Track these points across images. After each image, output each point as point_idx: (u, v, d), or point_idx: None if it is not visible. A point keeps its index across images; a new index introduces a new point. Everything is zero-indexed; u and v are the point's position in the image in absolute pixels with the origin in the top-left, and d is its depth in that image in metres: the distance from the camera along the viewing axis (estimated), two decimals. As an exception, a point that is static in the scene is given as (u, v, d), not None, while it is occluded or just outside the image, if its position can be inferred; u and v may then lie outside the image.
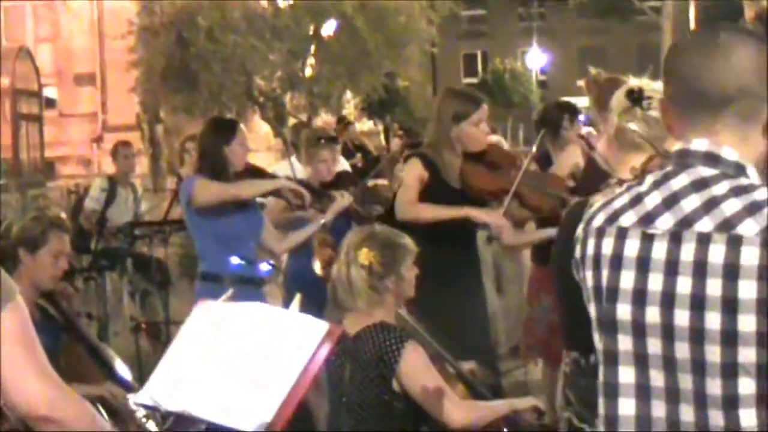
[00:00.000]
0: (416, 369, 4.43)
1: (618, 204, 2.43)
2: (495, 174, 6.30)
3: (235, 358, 4.29)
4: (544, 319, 6.85)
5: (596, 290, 2.40)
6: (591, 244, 2.43)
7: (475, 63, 58.03)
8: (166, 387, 4.38)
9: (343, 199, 6.73)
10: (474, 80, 51.76)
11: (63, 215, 6.37)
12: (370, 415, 4.49)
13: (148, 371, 4.90)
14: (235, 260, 6.16)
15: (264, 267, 6.14)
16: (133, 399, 5.22)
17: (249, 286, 6.13)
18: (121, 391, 5.26)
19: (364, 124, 19.50)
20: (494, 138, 9.46)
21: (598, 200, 2.55)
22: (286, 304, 6.09)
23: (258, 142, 22.84)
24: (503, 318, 9.49)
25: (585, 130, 7.23)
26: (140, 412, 5.23)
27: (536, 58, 53.60)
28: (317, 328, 4.28)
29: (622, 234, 2.37)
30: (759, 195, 2.25)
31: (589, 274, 2.42)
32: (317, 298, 5.94)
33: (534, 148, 6.67)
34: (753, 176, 2.34)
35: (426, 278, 4.78)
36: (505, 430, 4.63)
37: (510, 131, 15.19)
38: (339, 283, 4.65)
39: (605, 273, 2.37)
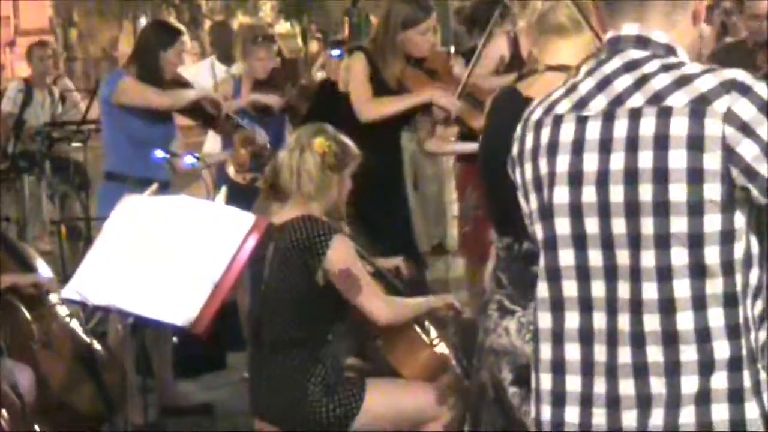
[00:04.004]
0: (344, 259, 4.45)
1: (555, 96, 2.46)
2: (432, 82, 6.28)
3: (161, 252, 4.29)
4: (470, 213, 6.89)
5: (535, 180, 2.43)
6: (529, 137, 2.45)
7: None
8: (93, 282, 4.37)
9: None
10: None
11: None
12: (287, 307, 4.50)
13: (70, 272, 4.90)
14: (159, 153, 6.09)
15: (188, 159, 6.08)
16: (56, 296, 5.26)
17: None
18: (50, 283, 5.24)
19: (281, 27, 19.32)
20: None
21: (523, 86, 2.56)
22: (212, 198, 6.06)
23: (185, 42, 22.39)
24: (422, 216, 9.53)
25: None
26: (63, 310, 5.24)
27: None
28: (244, 220, 4.30)
29: (557, 121, 2.40)
30: (688, 69, 2.30)
31: (527, 167, 2.45)
32: (246, 193, 5.93)
33: (473, 61, 6.60)
34: (683, 56, 2.39)
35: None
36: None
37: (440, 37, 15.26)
38: (286, 168, 4.61)
39: (543, 161, 2.41)
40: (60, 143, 9.97)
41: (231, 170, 5.62)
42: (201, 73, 7.92)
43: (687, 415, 2.26)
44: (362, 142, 4.78)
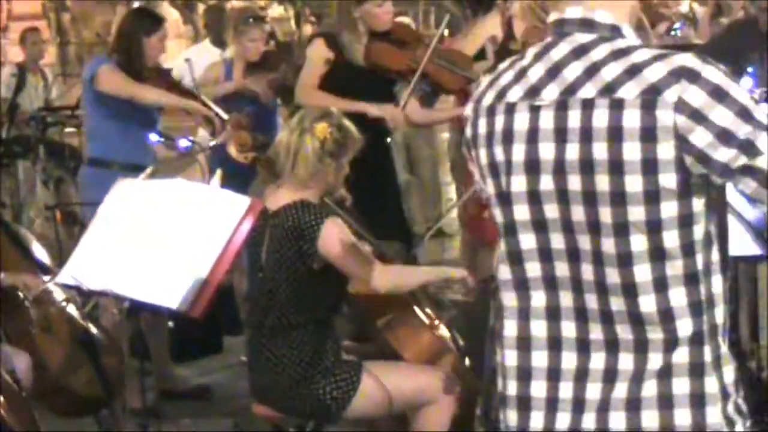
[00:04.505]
0: (337, 238, 4.44)
1: (504, 81, 2.44)
2: (401, 52, 6.26)
3: (156, 235, 4.29)
4: (474, 196, 6.88)
5: (491, 166, 2.43)
6: (482, 122, 2.45)
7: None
8: (88, 266, 4.37)
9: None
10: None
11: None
12: (285, 291, 4.49)
13: (65, 257, 4.89)
14: (153, 137, 6.09)
15: (183, 143, 6.08)
16: (52, 281, 5.24)
17: (138, 174, 5.98)
18: (36, 281, 5.22)
19: (275, 10, 19.24)
20: (403, 20, 9.39)
21: (484, 78, 2.56)
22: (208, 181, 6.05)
23: (167, 29, 22.38)
24: (418, 199, 9.54)
25: None
26: (59, 296, 5.23)
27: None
28: (239, 203, 4.29)
29: (510, 109, 2.39)
30: (637, 57, 2.29)
31: (482, 152, 2.45)
32: (242, 175, 5.93)
33: (443, 24, 6.61)
34: (629, 35, 2.39)
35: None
36: None
37: (421, 15, 15.12)
38: (283, 148, 4.59)
39: (498, 149, 2.41)
40: (54, 128, 9.96)
41: (233, 150, 5.61)
42: (197, 57, 7.88)
43: (649, 389, 2.30)
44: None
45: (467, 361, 4.74)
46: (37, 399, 4.84)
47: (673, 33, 9.24)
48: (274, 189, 4.62)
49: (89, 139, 6.70)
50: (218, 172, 4.59)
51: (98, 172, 6.23)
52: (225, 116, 6.43)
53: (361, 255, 4.49)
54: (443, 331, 4.80)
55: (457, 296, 5.35)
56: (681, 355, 2.29)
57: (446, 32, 7.03)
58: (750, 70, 5.88)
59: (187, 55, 8.09)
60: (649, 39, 7.06)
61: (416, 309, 4.77)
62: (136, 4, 9.54)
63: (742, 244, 3.91)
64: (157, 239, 4.30)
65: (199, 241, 4.23)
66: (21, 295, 5.14)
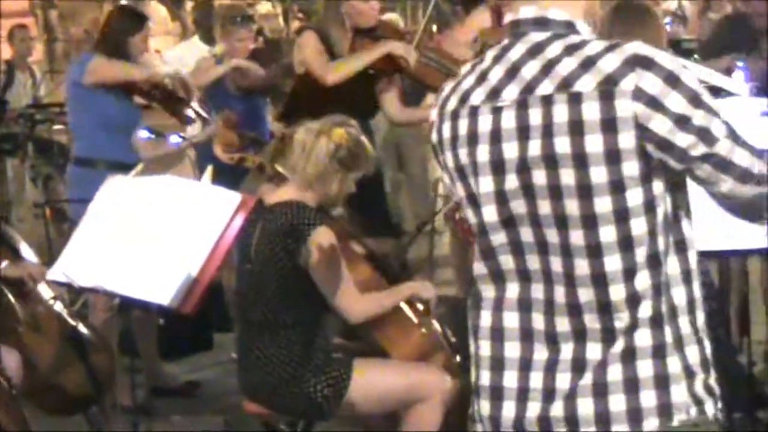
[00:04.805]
0: (324, 252, 4.41)
1: (466, 84, 2.48)
2: None
3: (147, 232, 4.29)
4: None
5: (458, 169, 2.46)
6: (447, 126, 2.48)
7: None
8: (79, 263, 4.36)
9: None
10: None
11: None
12: (274, 288, 4.47)
13: (55, 254, 4.87)
14: (144, 133, 6.08)
15: (174, 139, 6.06)
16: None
17: (124, 172, 5.93)
18: (41, 270, 5.21)
19: (263, 7, 19.23)
20: (391, 16, 9.37)
21: (447, 84, 2.58)
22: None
23: (155, 26, 22.32)
24: (408, 197, 9.52)
25: None
26: (48, 294, 5.22)
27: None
28: (230, 199, 4.29)
29: (473, 112, 2.43)
30: (590, 50, 2.32)
31: (449, 156, 2.48)
32: (233, 172, 5.91)
33: (424, 20, 6.61)
34: (584, 30, 2.42)
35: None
36: None
37: (409, 11, 15.08)
38: (298, 145, 4.56)
39: (463, 152, 2.44)
40: (42, 125, 9.94)
41: (218, 150, 5.59)
42: (187, 54, 7.87)
43: (614, 373, 2.33)
44: None
45: (458, 358, 4.73)
46: (26, 397, 4.83)
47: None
48: (272, 187, 4.60)
49: (75, 139, 6.71)
50: (209, 169, 4.58)
51: (85, 171, 6.23)
52: (201, 111, 6.47)
53: (338, 277, 4.46)
54: (434, 328, 4.78)
55: (446, 293, 5.34)
56: (643, 338, 2.33)
57: (435, 28, 7.03)
58: (740, 64, 5.90)
59: (176, 52, 8.08)
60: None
61: (405, 307, 4.75)
62: (123, 1, 9.49)
63: (734, 238, 3.91)
64: (148, 236, 4.29)
65: (190, 237, 4.22)
66: (8, 293, 5.12)
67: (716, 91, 4.55)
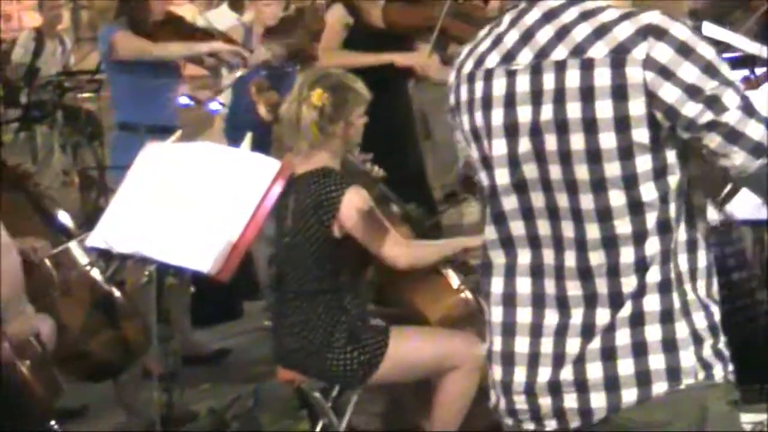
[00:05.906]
0: (357, 210, 4.41)
1: (482, 48, 2.51)
2: (418, 10, 6.23)
3: (186, 199, 4.27)
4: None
5: (473, 132, 2.49)
6: (464, 90, 2.52)
7: None
8: (117, 229, 4.36)
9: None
10: None
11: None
12: (309, 258, 4.48)
13: (82, 221, 4.88)
14: (183, 99, 6.07)
15: (214, 105, 6.05)
16: (75, 244, 5.23)
17: (164, 136, 5.95)
18: (44, 244, 5.19)
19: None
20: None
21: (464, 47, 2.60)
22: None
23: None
24: (434, 164, 9.50)
25: None
26: (84, 260, 5.22)
27: None
28: (270, 165, 4.27)
29: (488, 75, 2.46)
30: (605, 17, 2.34)
31: (465, 119, 2.51)
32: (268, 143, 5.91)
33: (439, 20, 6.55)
34: None
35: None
36: None
37: None
38: (286, 120, 4.58)
39: (478, 114, 2.47)
40: (72, 92, 9.95)
41: (262, 110, 5.58)
42: (216, 21, 7.85)
43: (622, 337, 2.36)
44: (370, 89, 4.73)
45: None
46: (58, 362, 4.84)
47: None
48: (292, 156, 4.60)
49: (115, 105, 6.70)
50: (248, 135, 4.56)
51: (126, 135, 6.24)
52: (246, 54, 6.45)
53: (380, 228, 4.47)
54: (468, 295, 4.78)
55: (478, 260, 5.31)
56: (651, 303, 2.36)
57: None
58: None
59: (205, 20, 8.05)
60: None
61: (441, 272, 4.75)
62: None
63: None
64: (186, 202, 4.28)
65: (229, 204, 4.21)
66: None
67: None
